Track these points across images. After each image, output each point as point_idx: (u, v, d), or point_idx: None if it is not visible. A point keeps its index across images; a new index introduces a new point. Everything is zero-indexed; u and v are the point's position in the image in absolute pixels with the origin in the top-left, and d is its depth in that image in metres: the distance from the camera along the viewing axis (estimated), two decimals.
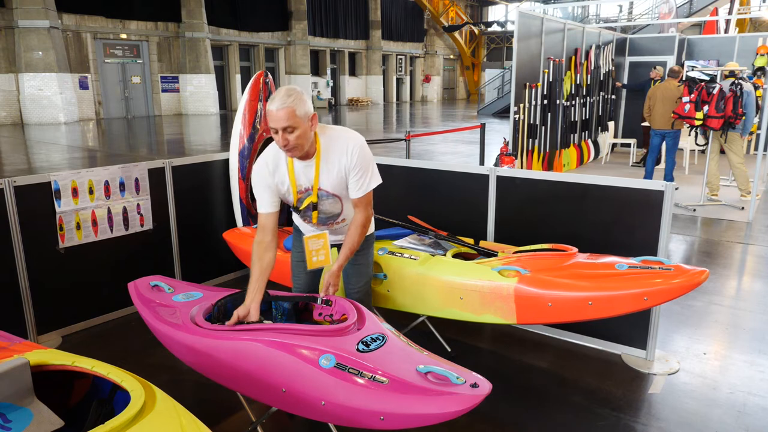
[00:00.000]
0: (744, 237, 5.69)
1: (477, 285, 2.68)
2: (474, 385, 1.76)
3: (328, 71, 28.76)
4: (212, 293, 2.63)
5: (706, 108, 6.42)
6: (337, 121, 20.75)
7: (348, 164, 2.33)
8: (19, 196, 3.21)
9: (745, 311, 3.86)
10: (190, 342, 2.26)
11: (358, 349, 1.97)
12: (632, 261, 2.56)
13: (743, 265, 4.97)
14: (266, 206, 2.40)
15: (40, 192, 3.30)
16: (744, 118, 6.49)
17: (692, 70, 7.88)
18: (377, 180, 2.44)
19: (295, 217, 2.69)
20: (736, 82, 6.40)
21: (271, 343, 2.07)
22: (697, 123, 6.52)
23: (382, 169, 2.77)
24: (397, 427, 1.77)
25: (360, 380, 1.85)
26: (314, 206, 2.39)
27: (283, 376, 2.00)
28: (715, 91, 6.33)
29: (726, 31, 16.95)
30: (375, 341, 2.02)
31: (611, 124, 10.78)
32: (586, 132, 10.17)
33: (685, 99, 6.58)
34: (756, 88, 7.32)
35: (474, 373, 1.85)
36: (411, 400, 1.75)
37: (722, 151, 7.16)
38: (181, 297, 2.60)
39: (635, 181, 3.02)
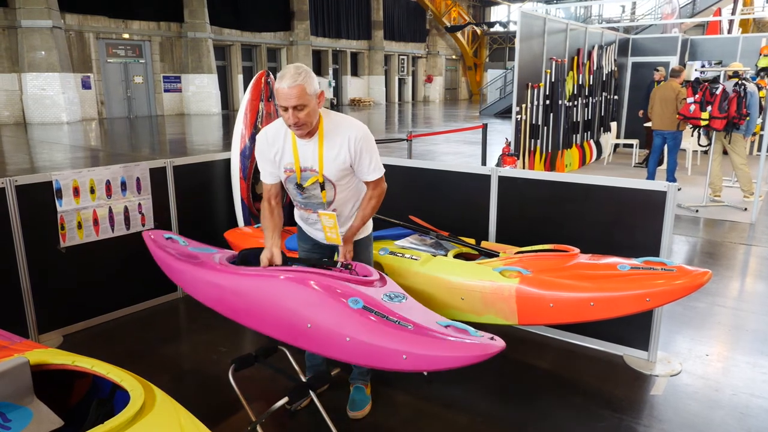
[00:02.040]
0: (747, 238, 5.67)
1: (478, 285, 2.67)
2: (492, 338, 1.87)
3: (330, 71, 28.76)
4: (226, 251, 2.77)
5: (709, 108, 6.40)
6: None
7: (352, 155, 2.35)
8: (21, 195, 3.21)
9: (747, 312, 3.84)
10: (216, 279, 2.37)
11: (383, 299, 2.10)
12: (634, 262, 2.55)
13: (746, 267, 4.95)
14: (268, 177, 2.49)
15: (42, 191, 3.30)
16: (747, 118, 6.47)
17: (699, 72, 7.81)
18: (382, 168, 2.47)
19: (296, 215, 2.68)
20: (740, 82, 6.38)
21: (302, 281, 2.17)
22: (703, 123, 6.49)
23: (384, 168, 2.76)
24: (418, 368, 1.86)
25: (386, 322, 1.97)
26: (322, 186, 2.41)
27: (310, 312, 2.09)
28: (718, 92, 6.31)
29: (729, 31, 16.91)
30: (398, 297, 2.16)
31: (614, 125, 10.76)
32: (589, 132, 10.15)
33: (690, 99, 6.56)
34: (759, 88, 7.29)
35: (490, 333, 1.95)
36: (433, 343, 1.86)
37: (725, 152, 7.13)
38: (197, 249, 2.74)
39: (637, 181, 3.00)
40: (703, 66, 10.56)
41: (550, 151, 8.77)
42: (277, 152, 2.40)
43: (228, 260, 2.51)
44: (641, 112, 10.10)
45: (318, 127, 2.33)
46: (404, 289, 2.90)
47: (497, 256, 2.94)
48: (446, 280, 2.78)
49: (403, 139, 8.07)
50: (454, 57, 37.77)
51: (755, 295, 4.23)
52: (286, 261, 2.56)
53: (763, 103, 7.38)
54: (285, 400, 2.42)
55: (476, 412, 2.69)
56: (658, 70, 9.66)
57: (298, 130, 2.26)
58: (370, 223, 2.66)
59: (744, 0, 18.36)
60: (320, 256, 2.69)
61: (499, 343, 1.84)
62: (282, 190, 2.57)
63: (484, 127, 8.42)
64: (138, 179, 3.72)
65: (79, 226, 3.46)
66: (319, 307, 2.07)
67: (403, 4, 32.39)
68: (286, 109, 2.20)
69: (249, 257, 2.56)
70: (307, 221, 2.61)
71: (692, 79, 7.11)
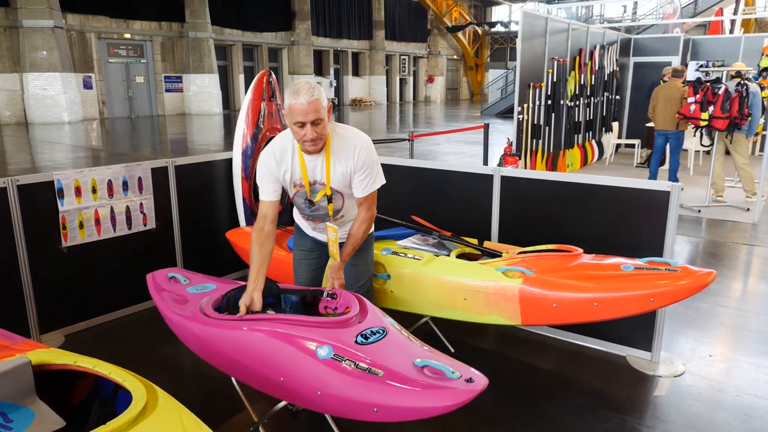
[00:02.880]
0: (749, 238, 5.66)
1: (481, 286, 2.66)
2: (469, 380, 1.77)
3: (332, 71, 28.77)
4: (225, 285, 2.69)
5: (711, 108, 6.39)
6: (340, 121, 20.74)
7: (354, 166, 2.37)
8: (22, 195, 3.20)
9: (751, 313, 3.83)
10: (197, 331, 2.32)
11: (356, 341, 2.00)
12: (638, 262, 2.53)
13: (749, 267, 4.94)
14: (269, 195, 2.44)
15: (43, 191, 3.29)
16: (750, 118, 6.45)
17: (702, 73, 7.73)
18: (381, 180, 2.47)
19: (296, 214, 2.69)
20: (742, 82, 6.36)
21: (271, 333, 2.10)
22: (703, 124, 6.48)
23: (386, 169, 2.75)
24: (390, 419, 1.78)
25: (355, 371, 1.88)
26: (329, 199, 2.42)
27: (282, 366, 2.03)
28: (720, 92, 6.29)
29: (731, 31, 16.87)
30: (375, 334, 2.05)
31: (615, 125, 10.75)
32: (590, 132, 10.14)
33: (690, 99, 6.55)
34: (762, 88, 7.26)
35: (471, 368, 1.85)
36: (405, 392, 1.77)
37: (727, 152, 7.12)
38: (195, 289, 2.67)
39: (641, 181, 2.99)
40: (705, 66, 10.51)
41: (551, 151, 8.76)
42: (287, 170, 2.39)
43: (214, 304, 2.42)
44: None
45: (326, 142, 2.33)
46: (407, 289, 2.91)
47: (500, 256, 2.93)
48: (449, 281, 2.77)
49: (405, 139, 8.06)
50: (455, 57, 37.75)
51: (758, 296, 4.21)
52: (277, 293, 2.53)
53: (765, 103, 7.35)
54: None
55: (478, 413, 2.68)
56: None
57: (314, 145, 2.26)
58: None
59: (746, 0, 18.33)
60: (318, 255, 2.69)
61: (477, 385, 1.74)
62: (284, 201, 2.58)
63: (486, 127, 8.41)
64: (140, 179, 3.71)
65: (81, 225, 3.45)
66: (288, 361, 2.02)
67: (405, 4, 32.38)
68: (302, 125, 2.19)
69: (237, 297, 2.48)
70: (315, 229, 2.64)
71: (690, 78, 7.09)
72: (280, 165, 2.39)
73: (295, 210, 2.71)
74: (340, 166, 2.36)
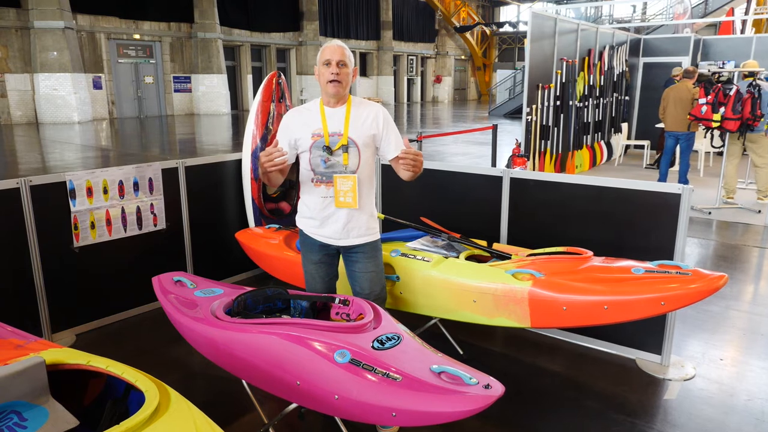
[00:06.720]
0: (761, 241, 5.61)
1: (490, 288, 2.66)
2: (487, 386, 1.77)
3: None
4: (232, 290, 2.69)
5: (722, 110, 6.33)
6: None
7: (380, 126, 2.52)
8: (35, 195, 3.24)
9: (762, 317, 3.80)
10: (209, 334, 2.32)
11: (373, 347, 2.00)
12: (649, 265, 2.52)
13: (760, 270, 4.89)
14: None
15: (56, 191, 3.32)
16: (762, 119, 6.39)
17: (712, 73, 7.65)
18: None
19: (301, 207, 2.63)
20: (755, 83, 6.30)
21: (288, 337, 2.11)
22: (714, 125, 6.43)
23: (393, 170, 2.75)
24: (408, 424, 1.79)
25: (374, 376, 1.88)
26: (345, 148, 2.49)
27: (298, 369, 2.04)
28: (732, 93, 6.24)
29: (742, 31, 16.74)
30: (390, 340, 2.06)
31: (624, 126, 10.69)
32: (599, 133, 10.08)
33: (702, 101, 6.50)
34: None
35: (487, 375, 1.86)
36: (423, 397, 1.77)
37: (745, 152, 7.03)
38: (203, 292, 2.67)
39: (651, 183, 2.98)
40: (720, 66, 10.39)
41: (560, 152, 8.72)
42: (310, 119, 2.52)
43: (225, 308, 2.43)
44: None
45: (347, 99, 2.54)
46: (416, 291, 2.91)
47: (509, 258, 2.92)
48: (458, 282, 2.76)
49: (413, 140, 8.06)
50: (463, 57, 37.68)
51: None
52: (287, 299, 2.55)
53: None
54: None
55: (487, 415, 2.66)
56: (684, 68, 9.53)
57: (334, 87, 2.43)
58: (378, 228, 2.67)
59: (757, 0, 18.17)
60: (329, 264, 2.65)
61: (495, 392, 1.74)
62: (295, 166, 2.63)
63: (494, 128, 8.39)
64: (150, 179, 3.74)
65: (92, 226, 3.48)
66: (306, 365, 2.02)
67: (413, 5, 32.36)
68: (329, 64, 2.42)
69: (248, 301, 2.51)
70: (322, 204, 2.52)
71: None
72: (301, 115, 2.55)
73: (299, 207, 2.65)
74: (360, 119, 2.50)
